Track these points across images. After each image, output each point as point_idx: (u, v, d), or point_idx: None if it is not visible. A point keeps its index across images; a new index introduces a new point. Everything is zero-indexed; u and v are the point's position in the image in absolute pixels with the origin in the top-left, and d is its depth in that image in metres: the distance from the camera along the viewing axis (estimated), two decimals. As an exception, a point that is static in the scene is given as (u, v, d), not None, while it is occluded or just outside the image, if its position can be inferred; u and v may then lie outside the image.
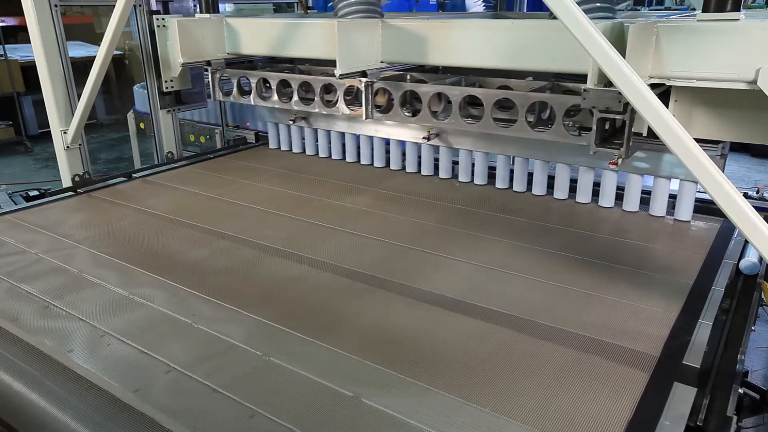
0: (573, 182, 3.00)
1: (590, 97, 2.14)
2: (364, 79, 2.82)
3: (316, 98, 3.13)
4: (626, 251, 2.43)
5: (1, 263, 2.39)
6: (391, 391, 1.59)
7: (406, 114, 2.94)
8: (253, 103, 3.40)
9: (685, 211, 2.69)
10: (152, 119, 3.97)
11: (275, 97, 3.30)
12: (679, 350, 1.70)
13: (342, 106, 3.04)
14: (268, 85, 3.35)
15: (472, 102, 2.80)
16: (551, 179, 3.04)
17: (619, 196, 2.86)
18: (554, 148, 2.90)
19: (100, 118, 10.39)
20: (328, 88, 3.12)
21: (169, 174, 3.62)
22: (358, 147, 3.71)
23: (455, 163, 3.36)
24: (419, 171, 3.47)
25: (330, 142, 3.82)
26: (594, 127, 2.20)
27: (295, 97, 3.22)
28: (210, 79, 3.49)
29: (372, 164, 3.66)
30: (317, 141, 3.88)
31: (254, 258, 2.42)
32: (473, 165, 3.26)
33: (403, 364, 1.69)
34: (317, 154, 3.89)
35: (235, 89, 3.45)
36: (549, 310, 1.98)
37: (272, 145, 4.14)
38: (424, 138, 3.24)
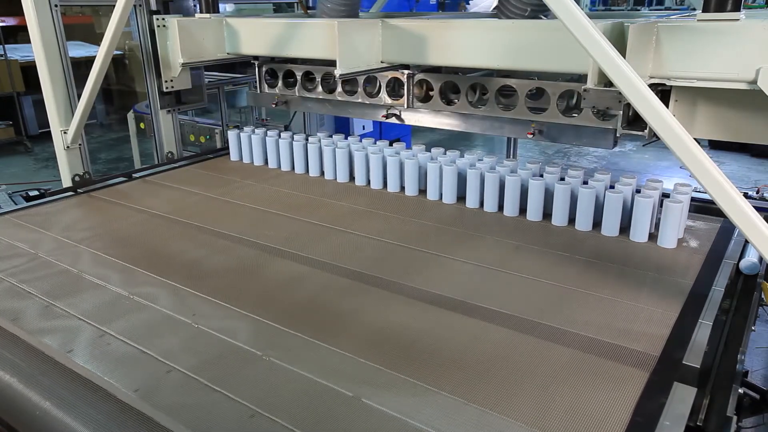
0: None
1: (590, 97, 2.15)
2: (406, 71, 2.99)
3: (359, 89, 3.25)
4: (626, 251, 2.43)
5: (1, 263, 2.39)
6: (391, 391, 1.58)
7: (443, 103, 3.02)
8: (297, 95, 3.50)
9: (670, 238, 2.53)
10: (152, 119, 3.96)
11: (320, 88, 3.40)
12: (679, 350, 1.70)
13: (384, 96, 3.17)
14: (312, 77, 3.43)
15: (502, 92, 2.87)
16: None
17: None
18: (576, 133, 2.89)
19: (100, 118, 10.40)
20: (367, 80, 3.25)
21: (169, 174, 3.62)
22: (322, 162, 3.48)
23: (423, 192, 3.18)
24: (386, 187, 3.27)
25: (293, 154, 3.56)
26: (620, 112, 2.29)
27: (339, 89, 3.32)
28: (257, 73, 3.60)
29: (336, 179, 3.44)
30: (279, 152, 3.63)
31: (254, 258, 2.42)
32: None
33: (403, 364, 1.69)
34: (279, 167, 3.64)
35: (280, 82, 3.55)
36: (549, 310, 1.98)
37: (233, 156, 3.86)
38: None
